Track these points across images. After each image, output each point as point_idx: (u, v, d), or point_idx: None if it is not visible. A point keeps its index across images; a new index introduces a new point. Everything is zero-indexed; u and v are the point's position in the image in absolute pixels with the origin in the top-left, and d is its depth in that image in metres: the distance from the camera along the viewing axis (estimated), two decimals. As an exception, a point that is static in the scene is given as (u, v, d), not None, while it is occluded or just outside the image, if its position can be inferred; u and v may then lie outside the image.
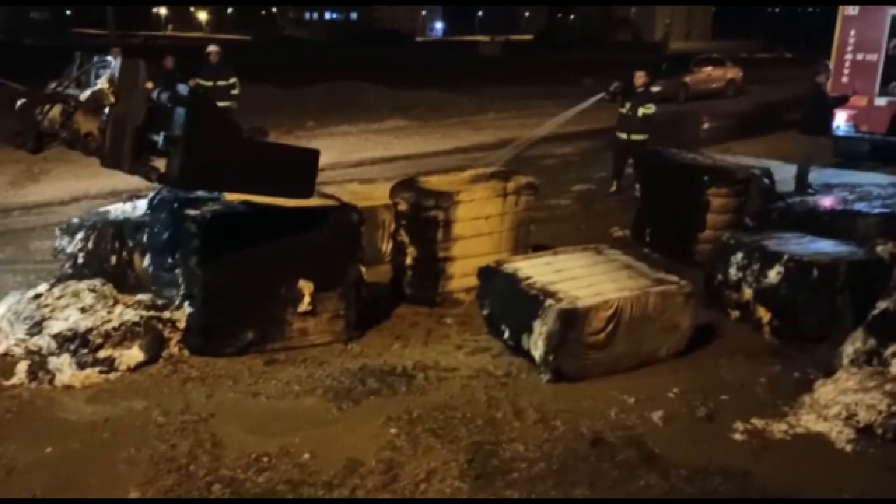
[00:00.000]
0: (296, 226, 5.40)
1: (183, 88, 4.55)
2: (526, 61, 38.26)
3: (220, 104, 12.45)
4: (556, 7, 77.83)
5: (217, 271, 5.22)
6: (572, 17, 77.49)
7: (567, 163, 13.06)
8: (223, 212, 5.28)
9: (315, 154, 5.18)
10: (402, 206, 6.42)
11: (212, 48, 12.70)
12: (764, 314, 6.00)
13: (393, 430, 4.47)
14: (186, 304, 5.34)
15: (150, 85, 4.58)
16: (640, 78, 10.40)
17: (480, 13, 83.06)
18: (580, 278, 5.51)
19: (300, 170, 5.07)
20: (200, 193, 5.62)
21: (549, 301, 5.12)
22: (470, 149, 14.03)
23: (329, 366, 5.30)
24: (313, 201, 5.70)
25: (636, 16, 68.91)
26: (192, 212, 5.24)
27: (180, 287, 5.41)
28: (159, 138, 4.52)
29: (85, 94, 4.51)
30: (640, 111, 10.17)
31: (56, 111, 4.53)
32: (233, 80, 12.63)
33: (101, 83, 4.52)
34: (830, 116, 11.04)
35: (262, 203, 5.33)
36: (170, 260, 5.61)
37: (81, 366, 4.96)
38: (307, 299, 5.45)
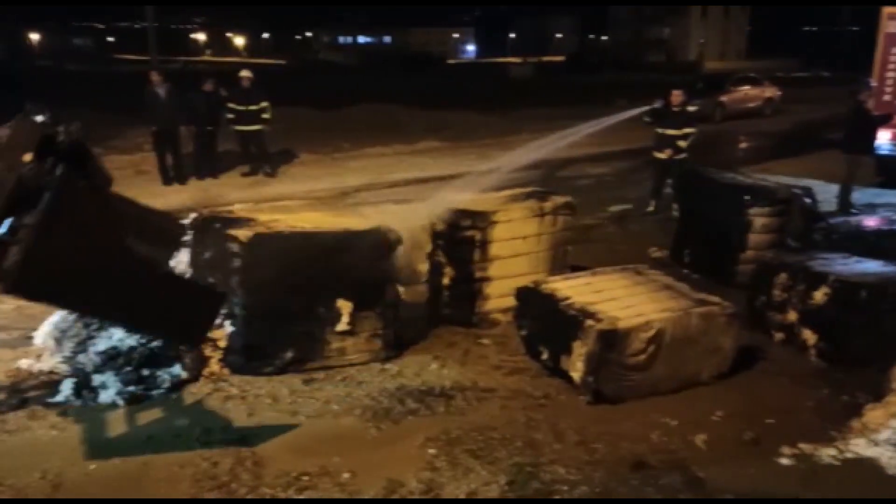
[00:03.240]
0: (335, 246, 5.43)
1: (59, 169, 3.54)
2: (558, 83, 38.27)
3: (253, 128, 12.71)
4: (589, 29, 77.98)
5: (258, 291, 5.27)
6: (605, 38, 77.57)
7: (602, 183, 12.99)
8: (264, 232, 5.33)
9: (219, 298, 4.39)
10: (439, 226, 6.43)
11: (244, 73, 12.89)
12: (810, 336, 5.87)
13: (432, 451, 4.44)
14: (227, 323, 5.38)
15: (27, 157, 3.56)
16: (676, 97, 10.27)
17: (512, 35, 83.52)
18: (620, 299, 5.45)
19: (194, 312, 4.08)
20: (242, 214, 5.69)
21: (588, 322, 5.07)
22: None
23: (367, 385, 5.31)
24: (352, 222, 5.74)
25: (670, 36, 68.73)
26: (233, 232, 5.30)
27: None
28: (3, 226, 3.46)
29: None
30: (684, 131, 10.11)
31: None
32: (264, 104, 12.72)
33: None
34: (873, 135, 10.84)
35: (302, 224, 5.37)
36: (211, 280, 5.66)
37: (125, 384, 5.03)
38: (345, 318, 5.47)
